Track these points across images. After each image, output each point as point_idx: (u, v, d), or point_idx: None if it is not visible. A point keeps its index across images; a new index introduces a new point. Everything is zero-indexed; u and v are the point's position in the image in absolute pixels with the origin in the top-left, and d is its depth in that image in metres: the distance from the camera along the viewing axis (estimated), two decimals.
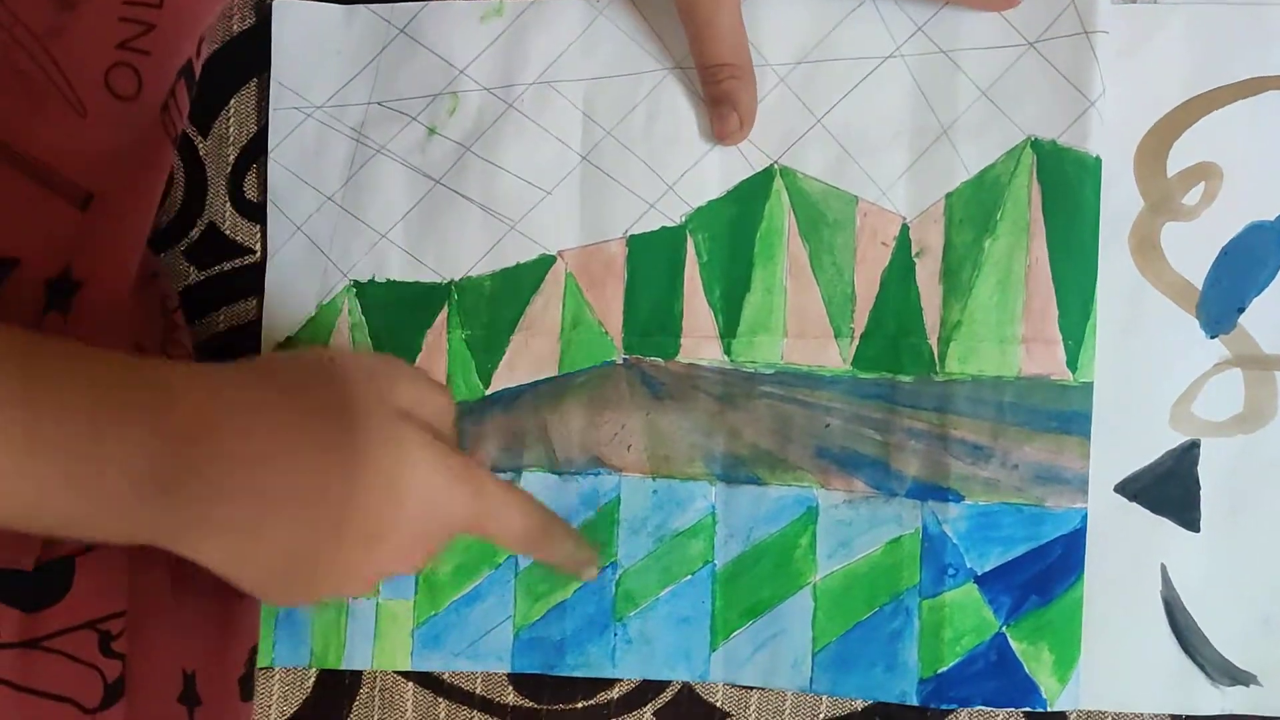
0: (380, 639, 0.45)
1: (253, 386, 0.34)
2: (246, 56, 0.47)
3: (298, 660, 0.46)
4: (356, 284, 0.47)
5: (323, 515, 0.34)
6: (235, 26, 0.48)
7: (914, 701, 0.43)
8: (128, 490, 0.31)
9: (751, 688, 0.45)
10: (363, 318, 0.47)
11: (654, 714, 0.45)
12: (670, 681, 0.45)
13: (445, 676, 0.46)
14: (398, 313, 0.46)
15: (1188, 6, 0.45)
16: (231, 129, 0.48)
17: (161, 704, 0.40)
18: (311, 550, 0.34)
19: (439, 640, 0.45)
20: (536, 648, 0.44)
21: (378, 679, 0.46)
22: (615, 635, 0.44)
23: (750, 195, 0.45)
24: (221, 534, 0.33)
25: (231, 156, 0.48)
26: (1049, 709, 0.42)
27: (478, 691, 0.46)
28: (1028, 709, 0.43)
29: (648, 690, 0.45)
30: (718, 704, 0.45)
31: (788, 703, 0.45)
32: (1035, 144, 0.43)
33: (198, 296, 0.48)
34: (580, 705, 0.45)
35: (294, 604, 0.39)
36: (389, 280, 0.47)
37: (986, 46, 0.44)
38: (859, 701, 0.44)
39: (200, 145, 0.48)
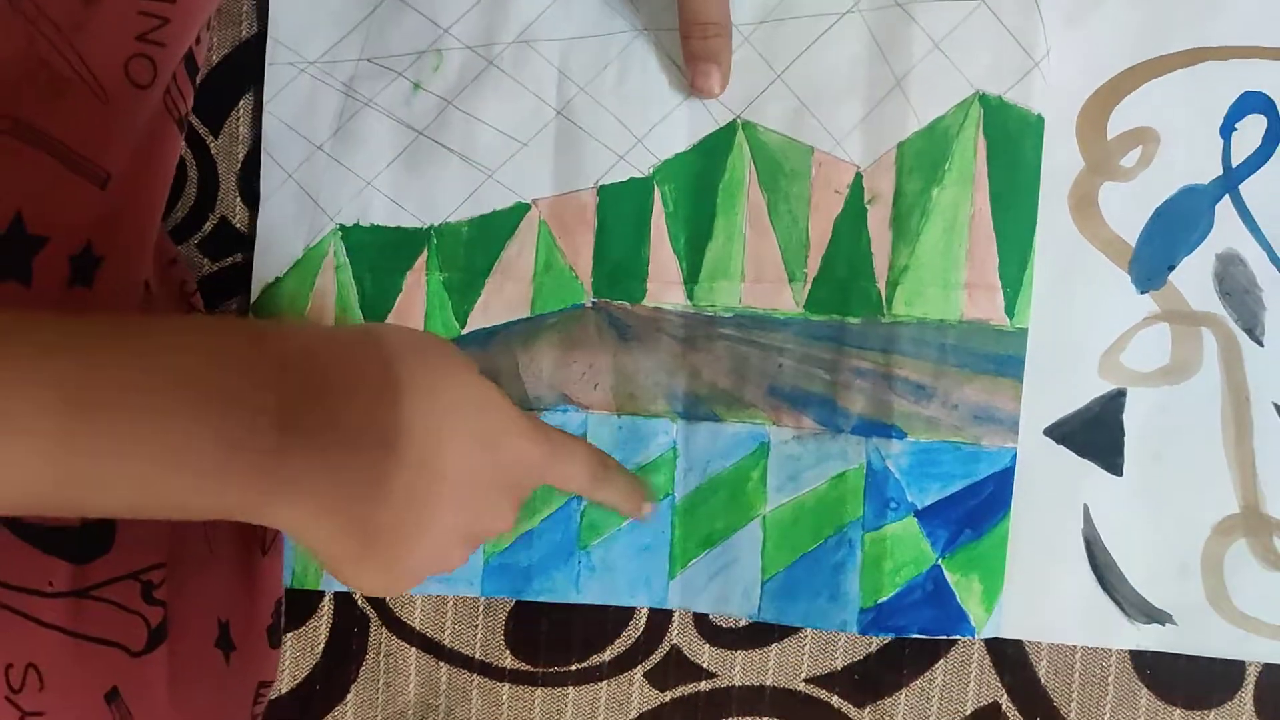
0: None
1: (342, 348, 0.33)
2: (255, 61, 0.47)
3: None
4: (342, 228, 0.46)
5: (420, 469, 0.32)
6: (244, 32, 0.48)
7: (854, 630, 0.42)
8: (227, 454, 0.29)
9: (737, 648, 0.45)
10: (347, 259, 0.46)
11: (644, 675, 0.45)
12: (660, 644, 0.45)
13: (446, 642, 0.46)
14: (380, 255, 0.46)
15: None
16: (241, 128, 0.48)
17: (201, 648, 0.41)
18: (410, 509, 0.32)
19: None
20: (505, 574, 0.44)
21: (383, 644, 0.46)
22: (579, 563, 0.44)
23: (714, 148, 0.45)
24: (325, 496, 0.31)
25: (241, 154, 0.48)
26: (976, 637, 0.42)
27: (477, 656, 0.46)
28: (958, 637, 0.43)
29: (637, 653, 0.45)
30: (705, 665, 0.45)
31: (770, 663, 0.44)
32: (983, 98, 0.43)
33: (211, 287, 0.48)
34: (574, 668, 0.45)
35: (396, 580, 0.34)
36: (373, 225, 0.46)
37: (943, 0, 0.43)
38: (839, 660, 0.44)
39: (212, 145, 0.48)
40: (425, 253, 0.46)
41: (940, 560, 0.42)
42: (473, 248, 0.46)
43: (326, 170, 0.47)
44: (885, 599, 0.42)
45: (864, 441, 0.43)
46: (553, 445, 0.36)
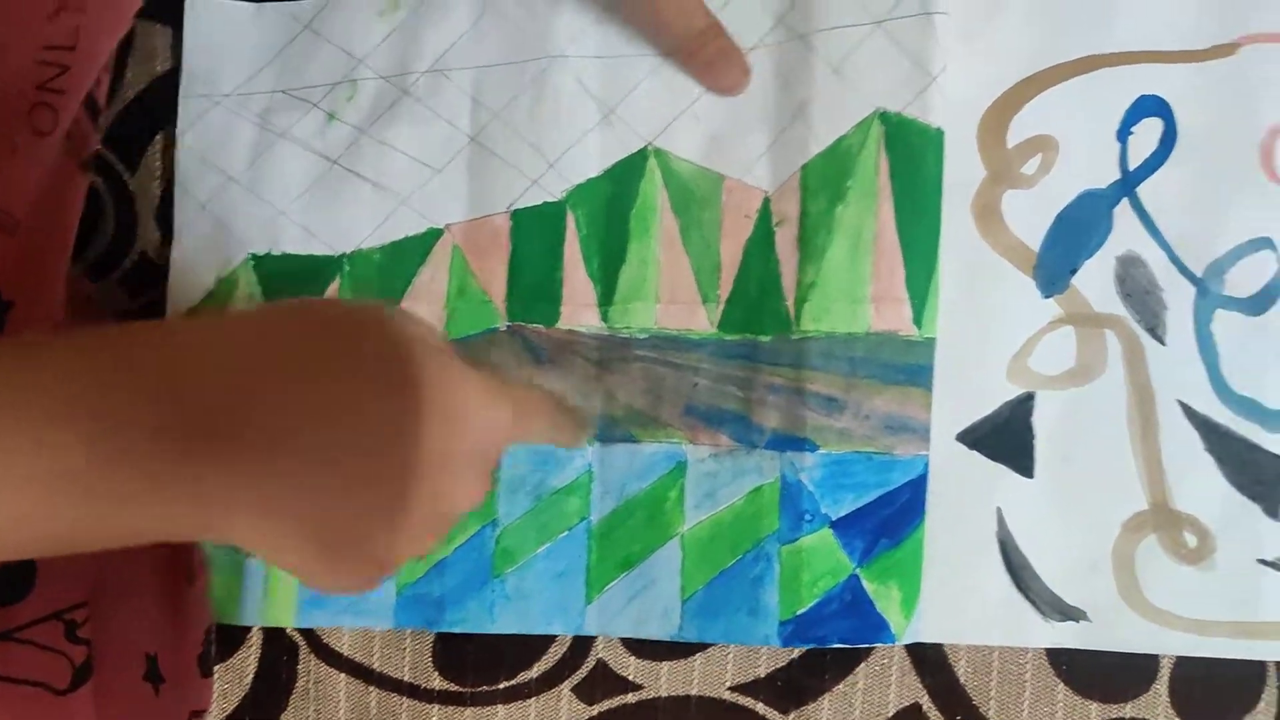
0: (269, 595, 0.44)
1: (272, 331, 0.29)
2: (170, 96, 0.47)
3: None
4: (254, 257, 0.45)
5: (389, 457, 0.28)
6: (159, 67, 0.47)
7: (776, 643, 0.42)
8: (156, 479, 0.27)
9: (661, 660, 0.44)
10: (259, 288, 0.45)
11: (571, 690, 0.45)
12: (586, 658, 0.44)
13: (375, 666, 0.45)
14: (292, 283, 0.45)
15: None
16: (158, 164, 0.47)
17: (129, 682, 0.40)
18: (378, 501, 0.28)
19: (324, 598, 0.44)
20: (418, 605, 0.44)
21: (312, 671, 0.45)
22: (494, 591, 0.43)
23: (626, 175, 0.45)
24: (274, 501, 0.28)
25: (159, 189, 0.47)
26: (896, 643, 0.42)
27: (405, 679, 0.45)
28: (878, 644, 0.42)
29: (564, 668, 0.45)
30: (630, 678, 0.44)
31: (695, 673, 0.44)
32: (883, 116, 0.43)
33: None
34: (503, 685, 0.45)
35: (369, 579, 0.30)
36: (285, 253, 0.45)
37: (837, 26, 0.43)
38: (762, 668, 0.44)
39: (130, 181, 0.47)
40: (337, 280, 0.45)
41: (858, 570, 0.42)
42: (385, 274, 0.45)
43: (241, 201, 0.46)
44: (804, 610, 0.42)
45: (778, 456, 0.43)
46: (514, 404, 0.33)
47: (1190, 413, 0.43)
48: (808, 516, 0.42)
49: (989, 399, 0.44)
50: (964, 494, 0.43)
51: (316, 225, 0.45)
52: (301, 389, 0.27)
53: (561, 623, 0.43)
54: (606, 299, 0.44)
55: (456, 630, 0.44)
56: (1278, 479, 0.43)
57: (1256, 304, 0.43)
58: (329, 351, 0.28)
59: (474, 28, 0.45)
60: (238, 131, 0.46)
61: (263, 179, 0.46)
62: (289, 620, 0.44)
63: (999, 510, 0.43)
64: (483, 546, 0.43)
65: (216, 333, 0.29)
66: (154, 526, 0.28)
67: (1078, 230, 0.44)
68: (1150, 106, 0.44)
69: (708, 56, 0.44)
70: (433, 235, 0.45)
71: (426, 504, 0.29)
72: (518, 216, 0.45)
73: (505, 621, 0.43)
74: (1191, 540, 0.43)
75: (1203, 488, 0.43)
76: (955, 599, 0.43)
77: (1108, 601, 0.43)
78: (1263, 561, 0.43)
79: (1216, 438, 0.43)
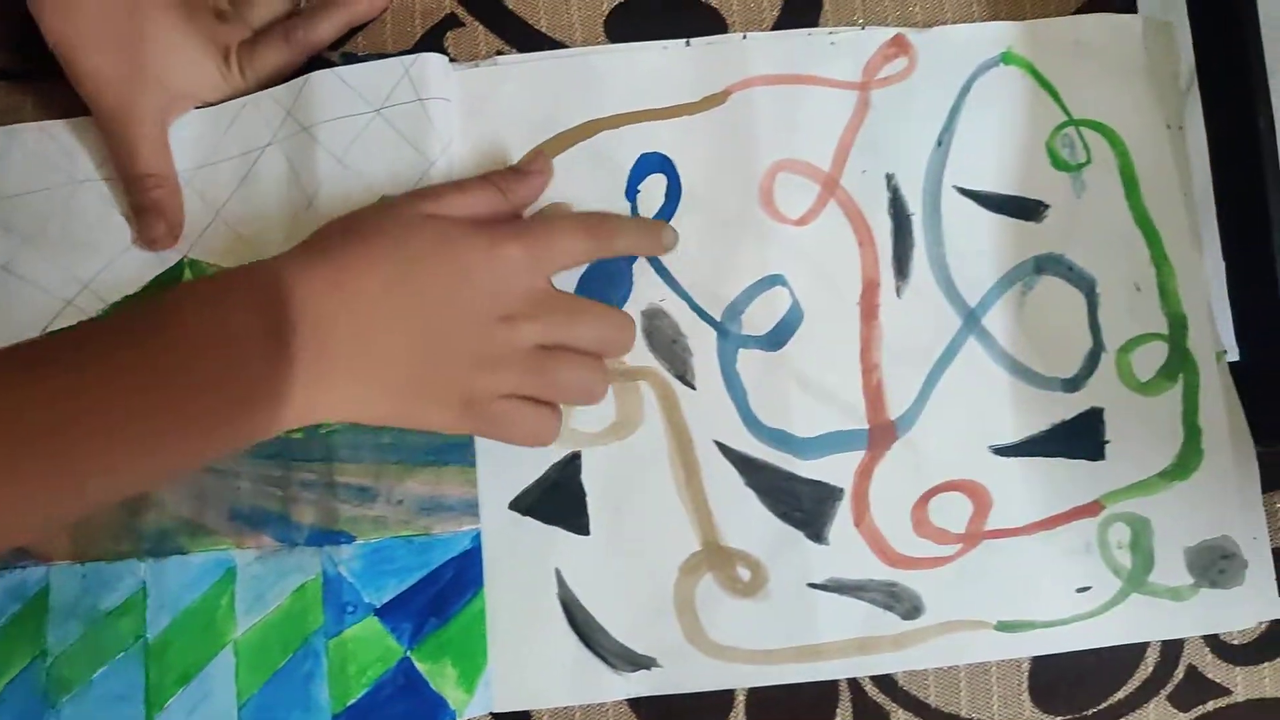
0: None
1: (315, 255, 0.39)
2: None
3: None
4: None
5: (408, 318, 0.39)
6: None
7: None
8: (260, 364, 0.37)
9: None
10: None
11: None
12: None
13: None
14: None
15: (523, 65, 0.45)
16: None
17: None
18: (418, 348, 0.39)
19: None
20: None
21: None
22: None
23: (166, 288, 0.44)
24: (347, 378, 0.38)
25: None
26: (459, 719, 0.41)
27: None
28: None
29: None
30: None
31: None
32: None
33: None
34: None
35: (463, 413, 0.41)
36: None
37: (340, 117, 0.43)
38: None
39: None
40: None
41: (409, 652, 0.41)
42: None
43: None
44: (355, 701, 0.41)
45: (318, 551, 0.42)
46: (528, 242, 0.41)
47: (727, 450, 0.44)
48: (350, 607, 0.41)
49: (536, 464, 0.44)
50: (522, 560, 0.43)
51: None
52: (345, 295, 0.38)
53: None
54: None
55: None
56: (815, 504, 0.43)
57: (773, 339, 0.44)
58: (364, 256, 0.39)
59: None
60: None
61: None
62: None
63: (558, 571, 0.43)
64: (34, 679, 0.42)
65: (284, 268, 0.38)
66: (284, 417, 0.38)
67: (601, 289, 0.44)
68: (653, 163, 0.44)
69: (137, 201, 0.44)
70: None
71: (459, 346, 0.40)
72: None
73: None
74: (745, 574, 0.43)
75: (748, 522, 0.43)
76: (526, 665, 0.43)
77: (675, 645, 0.43)
78: (813, 585, 0.43)
79: (754, 471, 0.44)
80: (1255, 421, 0.45)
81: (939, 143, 0.45)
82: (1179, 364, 0.45)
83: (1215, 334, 0.45)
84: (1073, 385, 0.45)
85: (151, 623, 0.42)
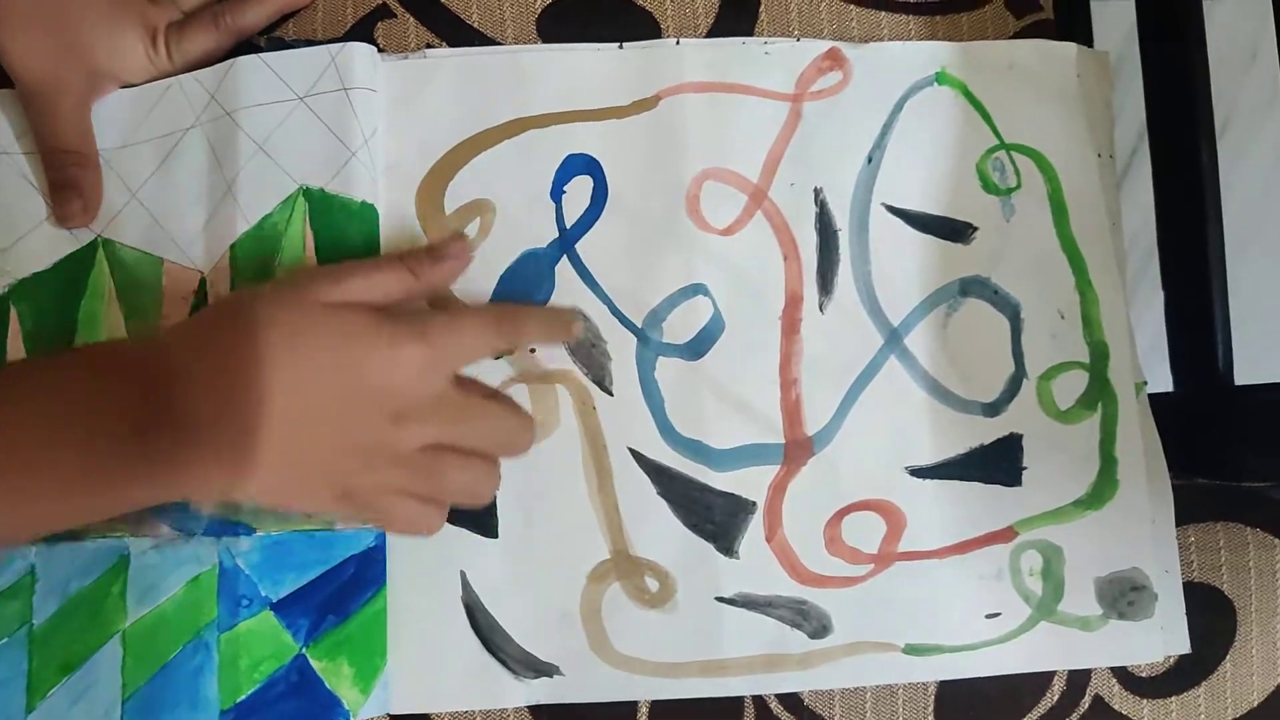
0: None
1: (203, 333, 0.38)
2: None
3: None
4: None
5: (288, 409, 0.36)
6: None
7: None
8: (120, 447, 0.36)
9: None
10: None
11: None
12: None
13: None
14: None
15: (454, 58, 0.44)
16: None
17: None
18: (287, 444, 0.36)
19: None
20: None
21: None
22: None
23: (76, 267, 0.44)
24: (215, 459, 0.36)
25: None
26: (353, 719, 0.40)
27: None
28: None
29: None
30: None
31: None
32: (307, 192, 0.41)
33: None
34: None
35: (323, 494, 0.38)
36: None
37: (263, 103, 0.42)
38: None
39: None
40: None
41: (304, 650, 0.40)
42: None
43: None
44: (245, 697, 0.40)
45: (216, 542, 0.41)
46: (429, 342, 0.38)
47: (641, 459, 0.43)
48: (245, 601, 0.40)
49: None
50: (426, 561, 0.42)
51: None
52: (229, 377, 0.36)
53: None
54: None
55: None
56: (728, 517, 0.43)
57: (693, 349, 0.43)
58: (252, 342, 0.36)
59: None
60: None
61: None
62: None
63: (463, 573, 0.42)
64: None
65: (171, 341, 0.38)
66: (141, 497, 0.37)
67: (521, 290, 0.43)
68: (580, 165, 0.44)
69: (53, 178, 0.43)
70: None
71: (330, 443, 0.37)
72: None
73: None
74: (653, 585, 0.43)
75: (659, 532, 0.43)
76: (426, 667, 0.42)
77: (579, 653, 0.42)
78: (720, 599, 0.42)
79: (667, 481, 0.43)
80: (1176, 453, 0.45)
81: (869, 159, 0.45)
82: (1098, 393, 0.44)
83: (1136, 364, 0.45)
84: (993, 410, 0.44)
85: (38, 609, 0.41)
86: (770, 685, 0.43)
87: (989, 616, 0.43)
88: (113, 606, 0.41)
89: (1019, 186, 0.45)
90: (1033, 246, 0.45)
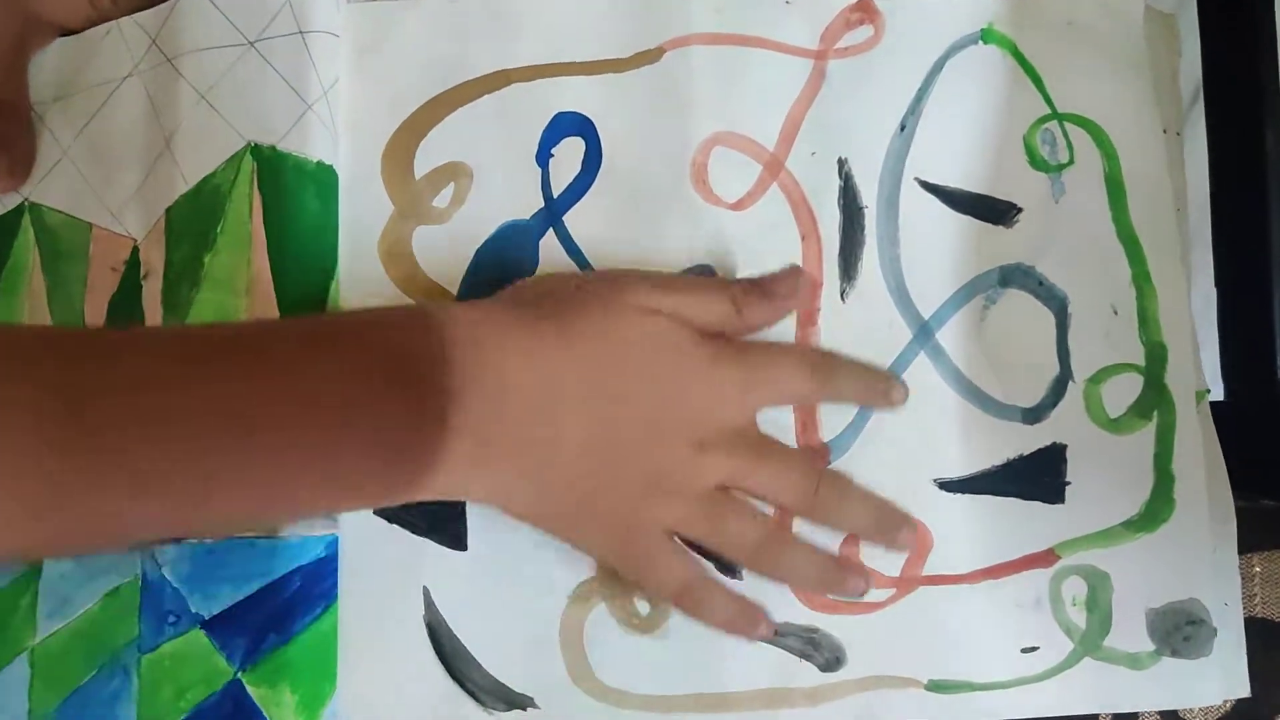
0: None
1: (496, 314, 0.34)
2: None
3: None
4: None
5: (590, 420, 0.33)
6: None
7: None
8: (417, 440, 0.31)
9: None
10: None
11: None
12: None
13: None
14: None
15: (429, 0, 0.38)
16: None
17: None
18: (585, 461, 0.33)
19: None
20: None
21: None
22: None
23: (2, 234, 0.38)
24: (508, 466, 0.33)
25: None
26: None
27: None
28: None
29: None
30: None
31: None
32: (255, 150, 0.36)
33: None
34: None
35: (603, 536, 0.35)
36: None
37: (208, 48, 0.36)
38: None
39: None
40: None
41: (240, 674, 0.35)
42: None
43: None
44: None
45: (139, 550, 0.35)
46: (748, 370, 0.35)
47: None
48: (172, 618, 0.35)
49: None
50: (384, 575, 0.37)
51: None
52: (534, 370, 0.33)
53: None
54: None
55: None
56: None
57: None
58: (560, 332, 0.33)
59: None
60: None
61: None
62: None
63: (426, 590, 0.37)
64: None
65: (478, 317, 0.33)
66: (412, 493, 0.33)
67: (501, 267, 0.38)
68: (571, 124, 0.38)
69: None
70: None
71: (630, 470, 0.34)
72: None
73: None
74: (643, 608, 0.37)
75: None
76: (381, 696, 0.37)
77: (557, 684, 0.37)
78: None
79: None
80: (1237, 470, 0.39)
81: (902, 127, 0.39)
82: (1154, 400, 0.39)
83: (1198, 369, 0.40)
84: (1034, 416, 0.39)
85: None
86: None
87: (1025, 651, 0.38)
88: (21, 622, 0.35)
89: (1071, 163, 0.40)
90: (1085, 232, 0.39)
